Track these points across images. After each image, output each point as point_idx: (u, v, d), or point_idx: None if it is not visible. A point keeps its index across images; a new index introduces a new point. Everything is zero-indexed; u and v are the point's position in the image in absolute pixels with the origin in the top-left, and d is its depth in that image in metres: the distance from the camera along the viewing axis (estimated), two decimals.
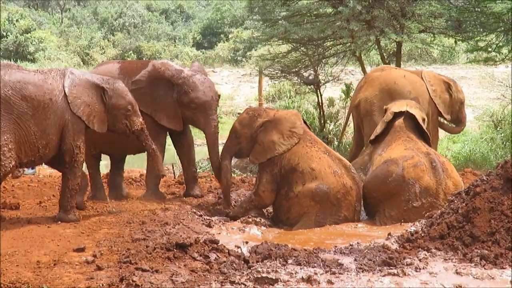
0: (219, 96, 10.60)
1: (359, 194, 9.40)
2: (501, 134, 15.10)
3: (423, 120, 10.09)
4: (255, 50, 34.76)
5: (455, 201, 7.63)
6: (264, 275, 6.26)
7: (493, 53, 14.82)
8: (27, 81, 8.24)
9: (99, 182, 10.54)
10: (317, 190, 9.24)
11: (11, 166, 8.10)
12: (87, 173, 10.06)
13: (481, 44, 15.28)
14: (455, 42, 16.51)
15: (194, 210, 9.56)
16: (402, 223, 8.93)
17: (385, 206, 9.27)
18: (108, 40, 46.43)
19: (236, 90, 30.63)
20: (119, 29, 49.00)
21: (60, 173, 8.96)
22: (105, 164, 11.43)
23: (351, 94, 16.74)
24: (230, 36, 44.47)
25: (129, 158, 11.11)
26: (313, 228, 9.17)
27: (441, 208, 8.59)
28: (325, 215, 9.22)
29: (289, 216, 9.51)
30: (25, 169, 10.03)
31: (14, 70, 8.31)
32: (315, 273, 6.37)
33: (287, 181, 9.49)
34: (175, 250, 6.78)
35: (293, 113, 9.91)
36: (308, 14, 15.88)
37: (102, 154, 10.67)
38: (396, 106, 10.09)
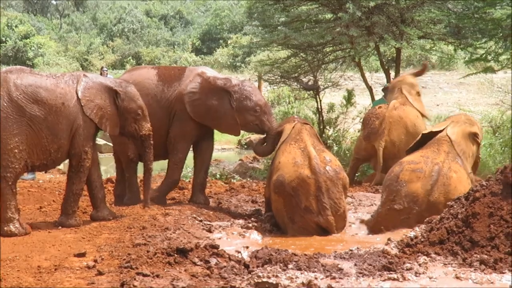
0: None
1: (320, 183, 9.05)
2: (499, 139, 15.10)
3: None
4: (254, 55, 34.82)
5: (455, 206, 7.63)
6: (264, 279, 6.26)
7: (492, 62, 14.83)
8: (39, 84, 8.29)
9: (136, 186, 10.58)
10: (275, 182, 9.24)
11: (21, 167, 8.18)
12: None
13: (480, 51, 15.31)
14: (454, 49, 16.54)
15: (195, 215, 9.56)
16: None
17: (381, 201, 9.41)
18: (107, 46, 46.56)
19: None
20: (118, 34, 49.15)
21: (58, 178, 8.93)
22: (104, 170, 11.39)
23: (353, 100, 16.80)
24: (229, 41, 44.55)
25: None
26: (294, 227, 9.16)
27: (420, 216, 8.72)
28: (291, 209, 9.13)
29: (271, 208, 9.63)
30: (25, 174, 10.00)
31: (27, 73, 8.37)
32: (316, 278, 6.37)
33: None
34: (175, 255, 6.78)
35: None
36: (308, 20, 15.93)
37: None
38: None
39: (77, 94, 8.51)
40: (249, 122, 10.38)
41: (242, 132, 11.40)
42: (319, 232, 9.10)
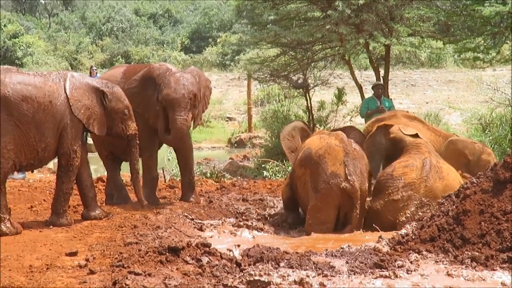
0: (194, 95, 10.14)
1: (348, 150, 9.25)
2: (489, 136, 15.15)
3: None
4: (244, 54, 34.77)
5: (445, 204, 7.66)
6: (256, 278, 6.26)
7: (481, 55, 14.87)
8: (27, 83, 8.28)
9: (121, 184, 10.55)
10: (302, 156, 9.49)
11: (8, 167, 8.16)
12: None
13: (469, 45, 15.34)
14: (444, 43, 16.56)
15: (186, 214, 9.57)
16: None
17: (375, 199, 9.56)
18: (96, 45, 46.45)
19: (224, 94, 30.63)
20: (107, 33, 49.01)
21: (48, 178, 8.91)
22: (94, 169, 11.35)
23: (344, 98, 16.86)
24: (218, 40, 44.45)
25: None
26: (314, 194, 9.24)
27: (419, 201, 9.08)
28: (315, 177, 9.22)
29: (300, 197, 9.72)
30: (15, 173, 9.94)
31: (14, 72, 8.35)
32: (307, 276, 6.38)
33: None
34: (167, 254, 6.78)
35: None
36: (297, 18, 15.93)
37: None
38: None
39: (65, 92, 8.52)
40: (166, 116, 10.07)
41: (231, 130, 11.31)
42: (342, 200, 9.17)
